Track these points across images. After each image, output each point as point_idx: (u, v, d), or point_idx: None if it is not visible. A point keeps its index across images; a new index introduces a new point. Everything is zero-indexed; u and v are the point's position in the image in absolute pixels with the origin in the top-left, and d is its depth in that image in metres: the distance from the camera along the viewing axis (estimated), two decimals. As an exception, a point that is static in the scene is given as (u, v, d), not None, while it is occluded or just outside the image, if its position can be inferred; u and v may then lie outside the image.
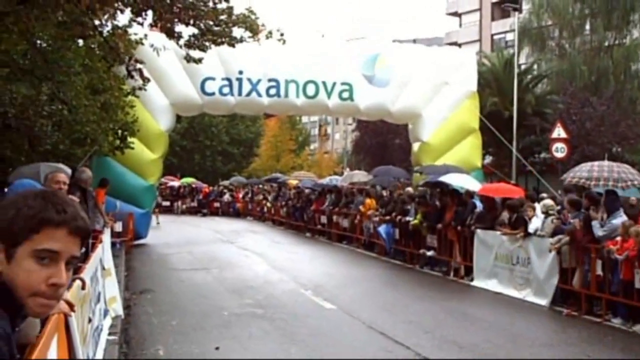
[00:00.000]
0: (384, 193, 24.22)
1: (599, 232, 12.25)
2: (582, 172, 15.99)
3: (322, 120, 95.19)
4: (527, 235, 14.12)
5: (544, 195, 18.81)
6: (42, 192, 2.09)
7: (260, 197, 42.04)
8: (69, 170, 9.65)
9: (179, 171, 53.97)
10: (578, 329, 11.36)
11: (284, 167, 63.26)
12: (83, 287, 6.06)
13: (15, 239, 1.98)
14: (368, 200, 23.81)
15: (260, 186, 45.22)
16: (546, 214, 14.20)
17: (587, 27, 38.12)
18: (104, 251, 10.52)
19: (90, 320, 7.07)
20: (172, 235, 26.90)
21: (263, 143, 67.55)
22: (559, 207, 14.80)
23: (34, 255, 1.98)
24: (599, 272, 12.03)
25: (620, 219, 12.20)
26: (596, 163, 16.17)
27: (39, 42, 14.89)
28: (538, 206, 15.06)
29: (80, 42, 16.06)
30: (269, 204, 38.56)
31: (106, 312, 9.46)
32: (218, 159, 61.41)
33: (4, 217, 1.99)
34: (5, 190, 11.39)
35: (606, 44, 36.81)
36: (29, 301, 1.98)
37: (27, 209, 1.99)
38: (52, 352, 3.94)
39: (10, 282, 1.97)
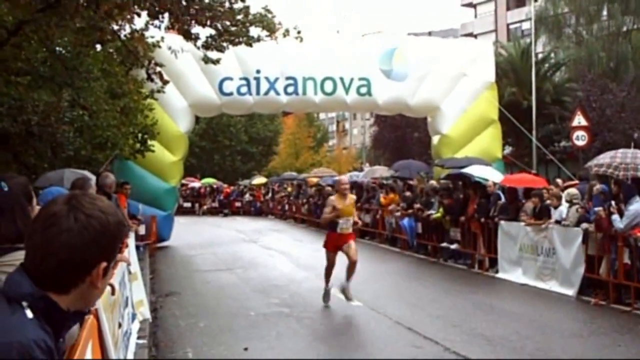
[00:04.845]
0: (406, 188, 24.12)
1: (619, 225, 12.11)
2: (605, 159, 15.84)
3: (339, 116, 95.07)
4: (555, 223, 14.02)
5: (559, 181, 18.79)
6: (110, 204, 2.11)
7: (281, 194, 42.10)
8: (94, 177, 9.71)
9: (199, 172, 54.14)
10: (607, 318, 11.27)
11: (303, 165, 63.28)
12: (113, 293, 6.09)
13: (115, 256, 2.06)
14: (389, 195, 23.75)
15: (280, 184, 45.30)
16: (570, 202, 14.10)
17: (604, 12, 37.74)
18: (129, 255, 10.57)
19: (120, 325, 7.11)
20: (195, 236, 26.97)
21: (282, 141, 67.57)
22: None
23: (116, 264, 2.11)
24: (627, 260, 11.93)
25: (637, 204, 12.08)
26: (619, 151, 16.01)
27: (58, 49, 15.00)
28: (562, 195, 14.96)
29: (98, 47, 16.16)
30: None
31: (134, 316, 9.50)
32: (237, 159, 61.49)
33: (113, 239, 2.02)
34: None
35: (624, 29, 36.44)
36: (94, 302, 2.14)
37: (122, 227, 2.05)
38: (88, 357, 3.97)
39: (97, 294, 2.07)
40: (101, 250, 1.98)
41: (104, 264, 1.99)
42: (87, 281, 1.98)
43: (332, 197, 12.60)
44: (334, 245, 12.28)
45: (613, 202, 12.55)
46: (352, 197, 12.57)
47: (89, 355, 4.03)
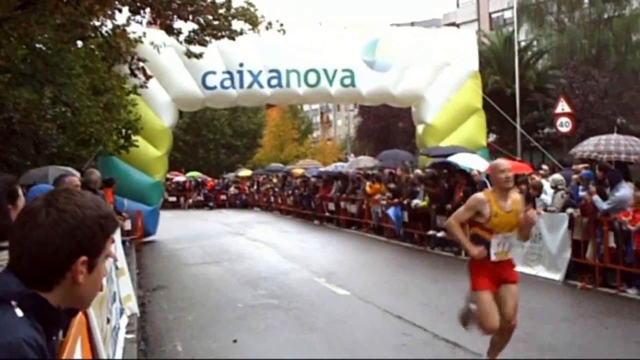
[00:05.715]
0: (391, 177, 24.17)
1: (603, 206, 12.24)
2: (589, 146, 15.94)
3: (323, 108, 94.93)
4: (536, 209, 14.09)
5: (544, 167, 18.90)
6: (92, 198, 2.09)
7: (266, 186, 42.09)
8: (78, 173, 9.66)
9: (183, 166, 54.07)
10: (594, 301, 11.37)
11: (288, 157, 63.24)
12: (100, 289, 6.06)
13: (99, 250, 2.03)
14: (375, 185, 23.82)
15: (265, 176, 45.28)
16: (555, 188, 14.18)
17: (586, 0, 37.86)
18: (116, 250, 10.54)
19: (108, 321, 7.09)
20: (181, 230, 26.92)
21: (266, 134, 67.51)
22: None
23: (105, 259, 2.07)
24: (612, 244, 12.02)
25: (623, 190, 12.19)
26: (603, 137, 16.10)
27: (38, 45, 14.90)
28: (546, 182, 15.05)
29: (80, 43, 16.06)
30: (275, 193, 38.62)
31: (122, 311, 9.48)
32: (222, 152, 61.44)
33: (91, 232, 1.99)
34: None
35: (605, 15, 36.54)
36: (89, 301, 2.10)
37: (104, 220, 2.02)
38: (77, 354, 3.96)
39: (87, 290, 2.03)
40: (78, 245, 1.96)
41: (83, 258, 1.96)
42: (68, 277, 1.97)
43: (479, 197, 7.16)
44: (488, 281, 7.14)
45: (592, 186, 12.67)
46: (516, 197, 7.34)
47: (78, 351, 4.02)
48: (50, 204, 1.98)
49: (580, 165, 15.12)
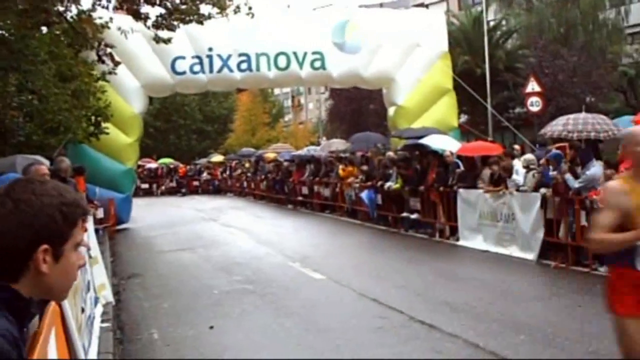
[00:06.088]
0: (363, 160, 24.18)
1: (574, 184, 12.36)
2: (557, 126, 16.04)
3: (294, 91, 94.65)
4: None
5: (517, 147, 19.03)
6: (63, 186, 2.05)
7: (239, 171, 41.94)
8: (47, 161, 9.52)
9: (155, 153, 53.69)
10: (567, 280, 11.48)
11: (260, 141, 62.97)
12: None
13: (62, 239, 1.97)
14: (348, 168, 23.82)
15: (238, 161, 45.08)
16: (527, 168, 14.27)
17: (553, -22, 38.04)
18: (89, 239, 10.42)
19: (83, 310, 7.02)
20: (155, 217, 26.76)
21: (237, 118, 67.17)
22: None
23: (74, 248, 2.01)
24: (584, 222, 12.12)
25: (594, 168, 12.29)
26: (571, 116, 16.19)
27: (1, 32, 14.61)
28: (518, 161, 15.13)
29: (44, 29, 15.78)
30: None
31: (97, 300, 9.40)
32: (193, 138, 61.13)
33: (49, 219, 1.94)
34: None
35: (573, -6, 36.81)
36: (66, 291, 2.05)
37: (66, 208, 1.97)
38: (52, 344, 3.90)
39: (56, 281, 1.98)
40: (36, 234, 1.91)
41: (44, 247, 1.92)
42: (31, 267, 1.93)
43: (615, 187, 5.00)
44: (635, 303, 4.75)
45: (564, 164, 12.78)
46: None
47: (52, 341, 3.95)
48: (7, 194, 1.95)
49: (556, 145, 15.20)
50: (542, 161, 13.92)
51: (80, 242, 2.02)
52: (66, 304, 5.15)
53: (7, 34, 14.62)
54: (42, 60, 14.95)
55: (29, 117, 15.69)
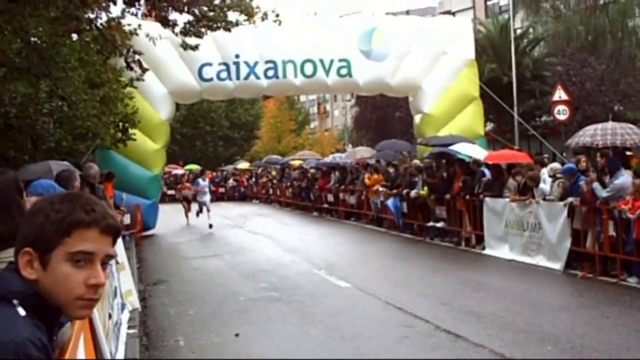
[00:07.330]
0: (390, 168, 24.13)
1: (602, 193, 12.23)
2: (585, 136, 15.92)
3: (320, 98, 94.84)
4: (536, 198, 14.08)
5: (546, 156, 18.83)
6: (68, 195, 2.07)
7: (265, 179, 42.02)
8: (76, 170, 9.62)
9: (181, 159, 53.95)
10: (594, 291, 11.36)
11: (286, 148, 63.09)
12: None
13: (47, 245, 1.94)
14: (374, 176, 23.78)
15: (264, 169, 45.17)
16: (554, 177, 14.16)
17: (581, -14, 37.78)
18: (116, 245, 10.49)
19: (110, 316, 7.07)
20: (180, 223, 26.90)
21: (263, 125, 67.36)
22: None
23: (69, 258, 1.94)
24: (612, 232, 12.00)
25: (623, 177, 12.17)
26: (599, 126, 16.06)
27: (33, 39, 14.80)
28: (545, 170, 15.02)
29: (75, 36, 15.96)
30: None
31: (123, 306, 9.46)
32: (219, 144, 61.31)
33: (34, 224, 1.96)
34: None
35: (601, 2, 36.44)
36: (70, 305, 1.96)
37: (55, 214, 1.96)
38: (80, 349, 3.94)
39: (48, 289, 1.94)
40: (23, 238, 1.97)
41: (26, 249, 1.94)
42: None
43: None
44: None
45: (592, 173, 12.67)
46: None
47: (81, 347, 4.00)
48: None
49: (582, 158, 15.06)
50: (558, 175, 13.83)
51: (76, 253, 1.94)
52: (94, 310, 5.20)
53: (39, 41, 14.82)
54: (73, 67, 15.14)
55: (59, 123, 15.85)
